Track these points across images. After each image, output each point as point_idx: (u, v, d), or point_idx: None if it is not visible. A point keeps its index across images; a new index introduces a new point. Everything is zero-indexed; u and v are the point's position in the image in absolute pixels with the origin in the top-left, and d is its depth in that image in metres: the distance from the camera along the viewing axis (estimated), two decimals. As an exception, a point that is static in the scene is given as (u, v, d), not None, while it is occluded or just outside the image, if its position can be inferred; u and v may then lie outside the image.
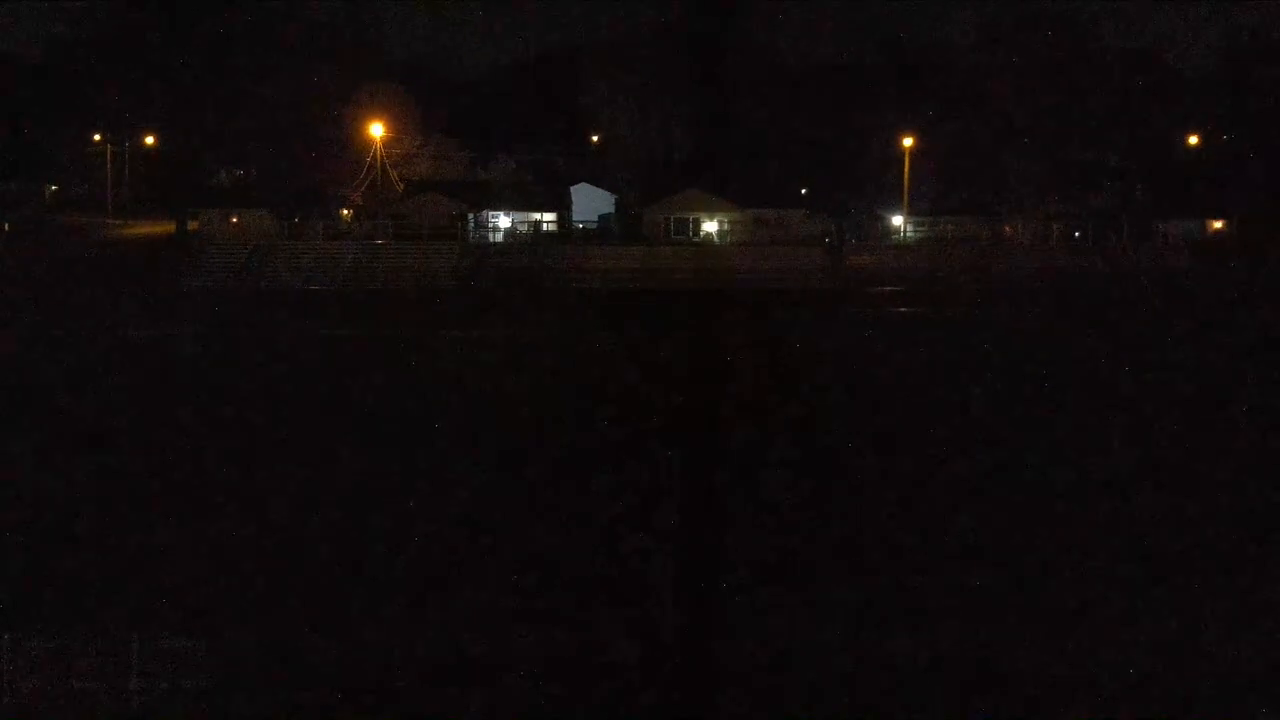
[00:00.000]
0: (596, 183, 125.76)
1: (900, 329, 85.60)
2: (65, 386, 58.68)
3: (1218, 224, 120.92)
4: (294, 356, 69.65)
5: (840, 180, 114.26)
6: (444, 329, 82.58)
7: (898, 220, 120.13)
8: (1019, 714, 24.37)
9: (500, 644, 26.98)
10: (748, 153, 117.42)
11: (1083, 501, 38.12)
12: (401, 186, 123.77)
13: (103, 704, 23.66)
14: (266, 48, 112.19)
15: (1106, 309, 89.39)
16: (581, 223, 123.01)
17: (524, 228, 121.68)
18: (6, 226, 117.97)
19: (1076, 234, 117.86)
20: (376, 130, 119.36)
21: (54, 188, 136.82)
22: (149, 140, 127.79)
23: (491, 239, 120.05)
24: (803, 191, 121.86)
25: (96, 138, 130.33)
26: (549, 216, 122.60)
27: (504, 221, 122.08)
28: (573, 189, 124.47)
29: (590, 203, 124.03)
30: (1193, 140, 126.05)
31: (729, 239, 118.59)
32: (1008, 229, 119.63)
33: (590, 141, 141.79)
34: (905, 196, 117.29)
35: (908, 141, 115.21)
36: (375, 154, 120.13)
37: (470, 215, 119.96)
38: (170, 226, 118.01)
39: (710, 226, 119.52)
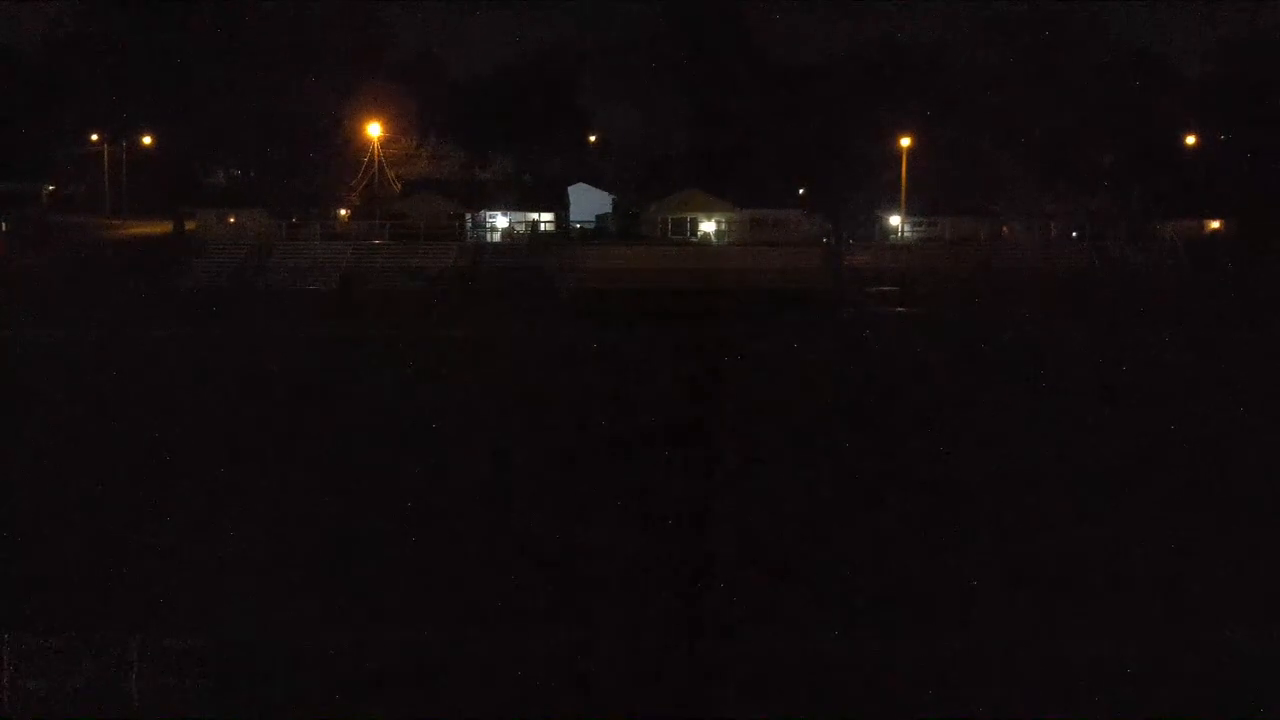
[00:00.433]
0: (594, 183, 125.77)
1: (884, 329, 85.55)
2: (62, 386, 58.65)
3: (1215, 224, 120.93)
4: (293, 357, 69.61)
5: (838, 180, 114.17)
6: (442, 329, 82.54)
7: (895, 220, 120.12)
8: (1019, 714, 24.36)
9: (499, 644, 26.96)
10: (745, 153, 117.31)
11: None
12: (399, 186, 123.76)
13: (103, 704, 23.63)
14: (265, 48, 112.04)
15: (1096, 309, 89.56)
16: (579, 223, 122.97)
17: (521, 227, 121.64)
18: (4, 226, 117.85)
19: (1074, 234, 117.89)
20: (374, 130, 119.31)
21: (51, 187, 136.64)
22: (146, 140, 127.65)
23: (489, 239, 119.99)
24: (800, 192, 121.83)
25: (94, 137, 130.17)
26: (546, 216, 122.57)
27: (501, 221, 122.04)
28: (570, 189, 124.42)
29: (588, 203, 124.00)
30: (1190, 140, 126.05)
31: (726, 239, 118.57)
32: (1005, 229, 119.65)
33: (588, 141, 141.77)
34: (903, 197, 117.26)
35: (905, 142, 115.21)
36: (373, 154, 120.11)
37: (468, 215, 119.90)
38: (167, 226, 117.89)
39: (708, 226, 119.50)
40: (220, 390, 58.20)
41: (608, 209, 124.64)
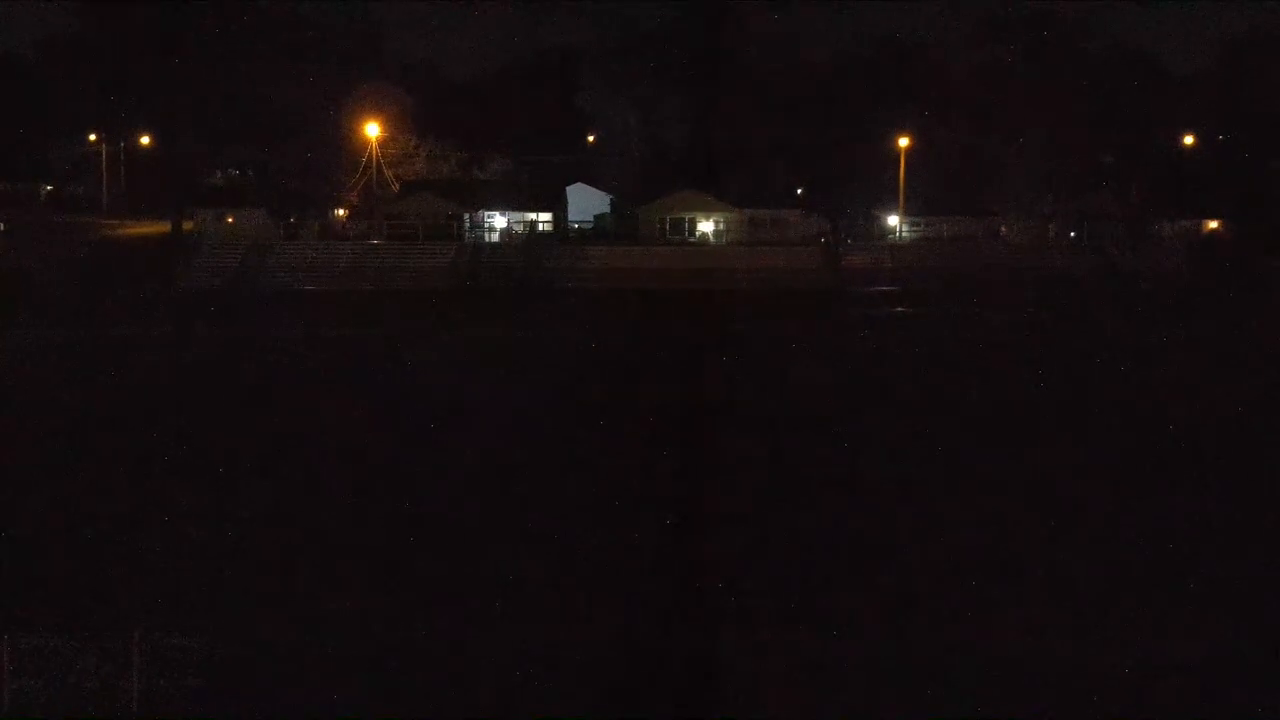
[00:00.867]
0: (592, 183, 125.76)
1: (882, 329, 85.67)
2: (61, 386, 58.66)
3: (1213, 224, 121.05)
4: (290, 357, 69.63)
5: (836, 180, 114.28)
6: (439, 329, 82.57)
7: (893, 220, 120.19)
8: (1019, 714, 24.37)
9: (498, 644, 26.97)
10: (743, 153, 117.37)
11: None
12: (397, 187, 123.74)
13: (103, 704, 23.62)
14: (263, 48, 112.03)
15: (1087, 309, 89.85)
16: (577, 223, 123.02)
17: (519, 228, 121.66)
18: (2, 226, 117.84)
19: (1072, 234, 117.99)
20: (372, 131, 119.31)
21: (49, 187, 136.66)
22: (144, 140, 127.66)
23: (487, 239, 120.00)
24: (798, 192, 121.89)
25: (92, 138, 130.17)
26: (544, 216, 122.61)
27: (499, 221, 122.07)
28: (568, 189, 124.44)
29: (586, 203, 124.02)
30: (1188, 140, 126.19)
31: (725, 239, 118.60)
32: (1003, 229, 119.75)
33: (586, 142, 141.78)
34: (901, 196, 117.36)
35: (903, 141, 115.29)
36: (371, 154, 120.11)
37: (466, 215, 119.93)
38: (165, 226, 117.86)
39: (706, 226, 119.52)
40: (227, 391, 58.24)
41: (606, 209, 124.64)
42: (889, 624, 28.32)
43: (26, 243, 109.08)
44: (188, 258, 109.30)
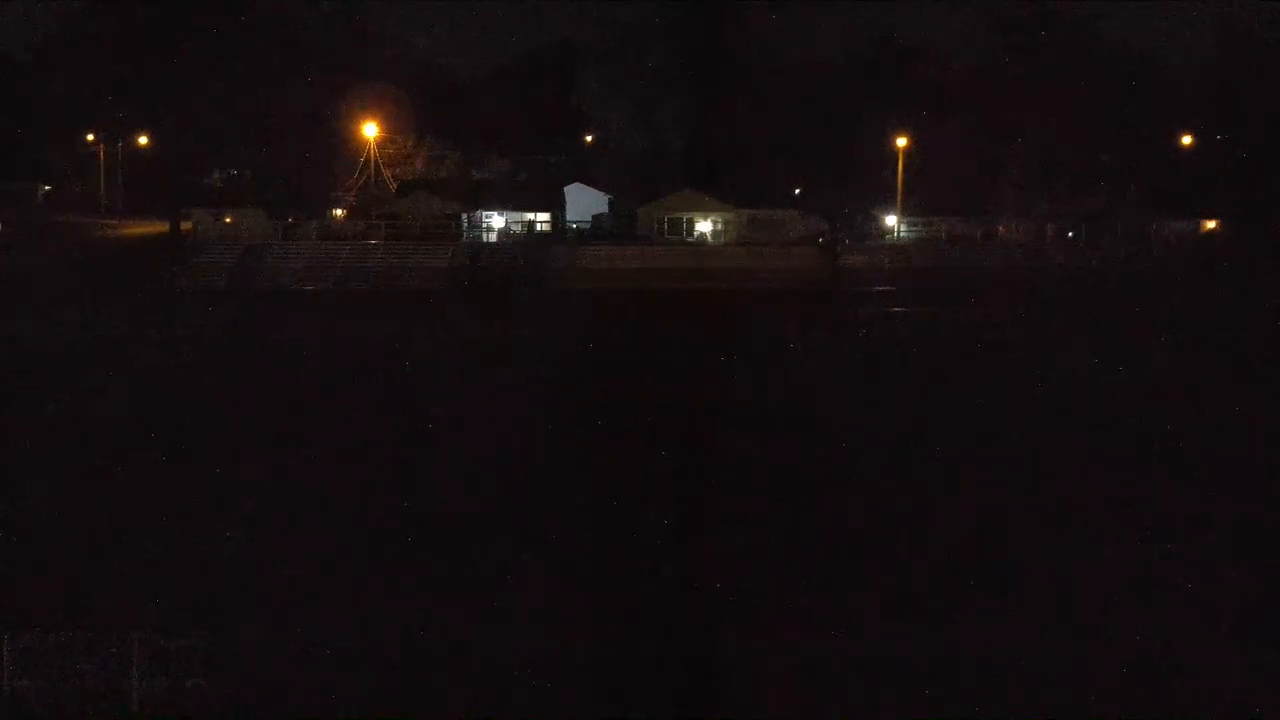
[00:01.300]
0: (590, 182, 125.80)
1: (881, 328, 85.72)
2: (61, 386, 58.61)
3: (1211, 224, 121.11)
4: (288, 357, 69.60)
5: (834, 180, 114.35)
6: (437, 329, 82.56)
7: (891, 220, 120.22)
8: (1018, 715, 24.37)
9: (498, 644, 26.97)
10: (742, 153, 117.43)
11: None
12: (395, 186, 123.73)
13: (103, 704, 23.60)
14: (261, 48, 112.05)
15: (1085, 309, 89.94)
16: (575, 222, 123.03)
17: (518, 227, 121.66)
18: (1, 226, 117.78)
19: (1070, 234, 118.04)
20: (370, 130, 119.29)
21: (47, 187, 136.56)
22: (142, 140, 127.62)
23: (485, 239, 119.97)
24: (796, 192, 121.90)
25: (90, 138, 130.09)
26: (543, 216, 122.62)
27: (498, 221, 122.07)
28: (566, 189, 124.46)
29: (584, 202, 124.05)
30: (1186, 141, 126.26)
31: (723, 239, 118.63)
32: (1001, 229, 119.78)
33: (584, 141, 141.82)
34: (899, 197, 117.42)
35: (901, 141, 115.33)
36: (369, 154, 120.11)
37: (464, 215, 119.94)
38: (163, 227, 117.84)
39: (704, 226, 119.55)
40: (224, 391, 58.22)
41: (604, 209, 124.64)
42: (889, 624, 28.32)
43: (25, 242, 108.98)
44: (186, 258, 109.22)
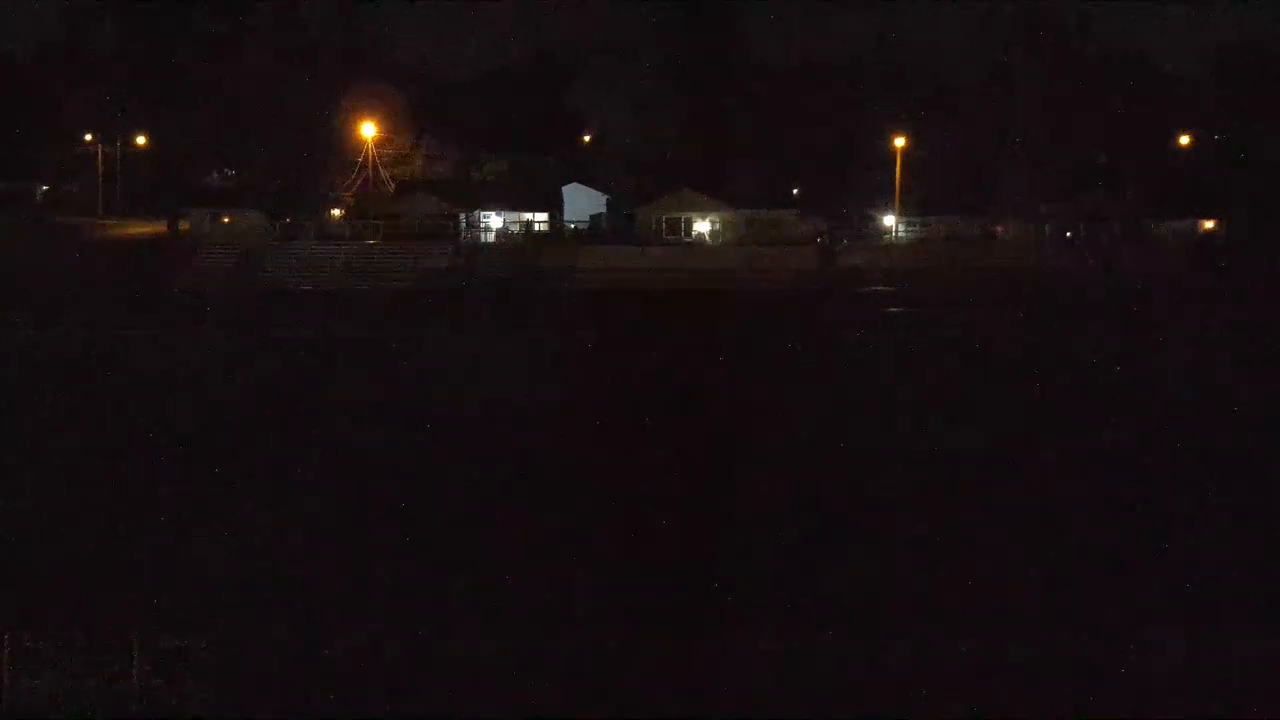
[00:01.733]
0: (588, 183, 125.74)
1: (878, 328, 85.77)
2: (61, 385, 58.62)
3: (1209, 224, 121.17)
4: (286, 357, 69.61)
5: (832, 181, 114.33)
6: (436, 329, 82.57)
7: (889, 220, 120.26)
8: (1017, 715, 24.36)
9: (498, 644, 26.97)
10: (740, 153, 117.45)
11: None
12: (393, 186, 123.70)
13: (103, 704, 23.58)
14: (259, 49, 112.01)
15: (1083, 308, 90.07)
16: (573, 223, 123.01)
17: (515, 228, 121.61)
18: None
19: (1068, 234, 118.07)
20: (368, 130, 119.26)
21: (45, 188, 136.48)
22: (140, 141, 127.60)
23: (483, 239, 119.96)
24: (795, 192, 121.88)
25: (88, 138, 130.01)
26: (541, 216, 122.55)
27: (495, 221, 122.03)
28: (564, 189, 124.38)
29: (582, 203, 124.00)
30: (1184, 141, 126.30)
31: (721, 239, 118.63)
32: (999, 229, 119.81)
33: (582, 141, 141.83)
34: (897, 197, 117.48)
35: (900, 142, 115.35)
36: (367, 154, 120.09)
37: (462, 215, 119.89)
38: (161, 227, 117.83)
39: (702, 227, 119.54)
40: (223, 391, 58.23)
41: (602, 209, 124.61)
42: (889, 624, 28.31)
43: (23, 243, 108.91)
44: (184, 258, 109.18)
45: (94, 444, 45.74)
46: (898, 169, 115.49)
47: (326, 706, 24.04)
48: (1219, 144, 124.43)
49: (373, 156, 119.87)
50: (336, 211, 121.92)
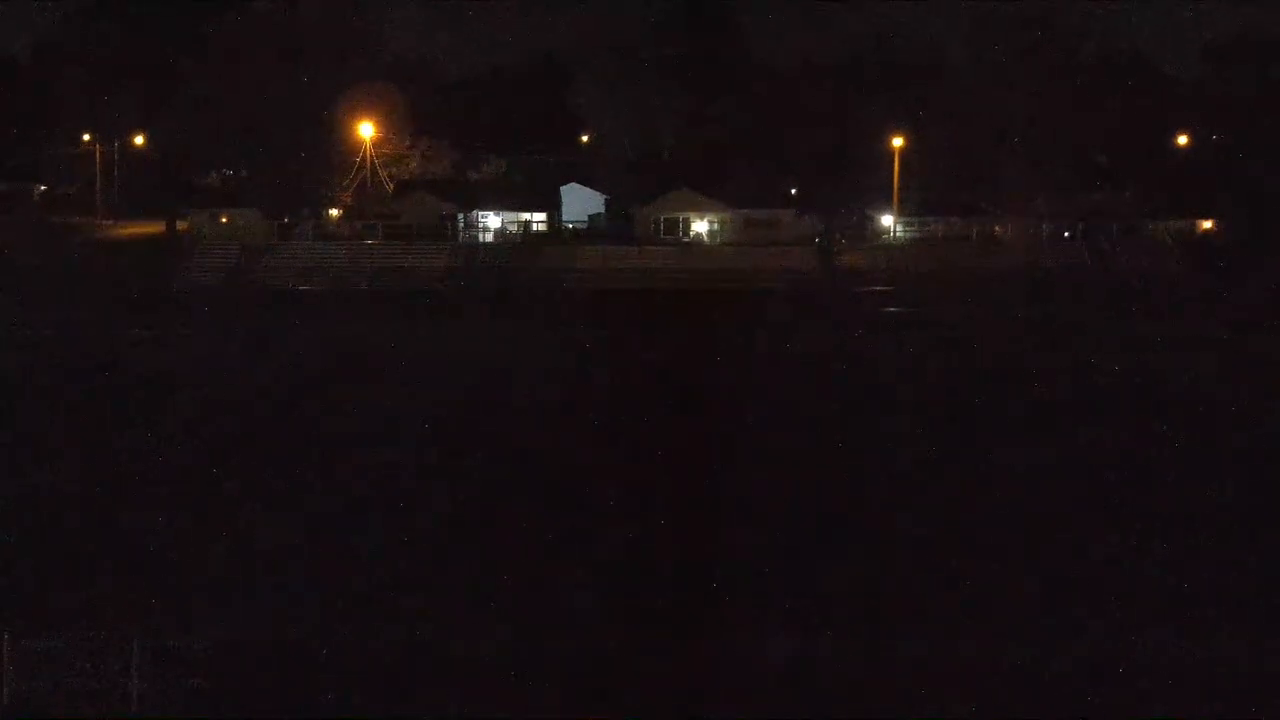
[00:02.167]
0: (587, 183, 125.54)
1: (877, 328, 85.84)
2: (61, 385, 58.65)
3: (1207, 224, 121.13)
4: (286, 357, 69.64)
5: (831, 180, 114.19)
6: (434, 329, 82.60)
7: (888, 220, 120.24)
8: (1016, 715, 24.38)
9: (497, 644, 26.99)
10: (738, 153, 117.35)
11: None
12: (391, 186, 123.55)
13: (103, 704, 23.59)
14: (257, 48, 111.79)
15: (1081, 308, 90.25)
16: (571, 223, 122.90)
17: (514, 228, 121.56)
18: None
19: (1066, 234, 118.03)
20: (366, 131, 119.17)
21: (43, 188, 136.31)
22: (138, 141, 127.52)
23: (481, 239, 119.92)
24: (793, 192, 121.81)
25: (86, 138, 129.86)
26: (539, 216, 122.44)
27: (494, 221, 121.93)
28: (563, 189, 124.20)
29: (580, 203, 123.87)
30: (1183, 141, 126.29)
31: (719, 239, 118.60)
32: (997, 229, 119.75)
33: (580, 142, 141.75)
34: (895, 197, 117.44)
35: (897, 142, 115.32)
36: (365, 154, 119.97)
37: (460, 215, 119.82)
38: (160, 227, 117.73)
39: (700, 227, 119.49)
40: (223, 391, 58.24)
41: (600, 209, 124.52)
42: (888, 624, 28.33)
43: (21, 243, 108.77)
44: (182, 258, 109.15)
45: (81, 444, 45.81)
46: (896, 169, 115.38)
47: (326, 706, 24.05)
48: (1218, 144, 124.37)
49: (371, 156, 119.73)
50: (335, 211, 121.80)
